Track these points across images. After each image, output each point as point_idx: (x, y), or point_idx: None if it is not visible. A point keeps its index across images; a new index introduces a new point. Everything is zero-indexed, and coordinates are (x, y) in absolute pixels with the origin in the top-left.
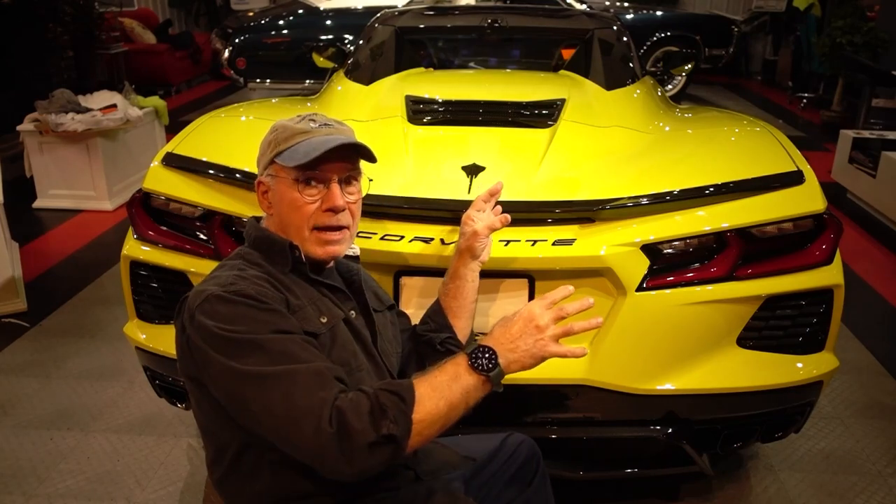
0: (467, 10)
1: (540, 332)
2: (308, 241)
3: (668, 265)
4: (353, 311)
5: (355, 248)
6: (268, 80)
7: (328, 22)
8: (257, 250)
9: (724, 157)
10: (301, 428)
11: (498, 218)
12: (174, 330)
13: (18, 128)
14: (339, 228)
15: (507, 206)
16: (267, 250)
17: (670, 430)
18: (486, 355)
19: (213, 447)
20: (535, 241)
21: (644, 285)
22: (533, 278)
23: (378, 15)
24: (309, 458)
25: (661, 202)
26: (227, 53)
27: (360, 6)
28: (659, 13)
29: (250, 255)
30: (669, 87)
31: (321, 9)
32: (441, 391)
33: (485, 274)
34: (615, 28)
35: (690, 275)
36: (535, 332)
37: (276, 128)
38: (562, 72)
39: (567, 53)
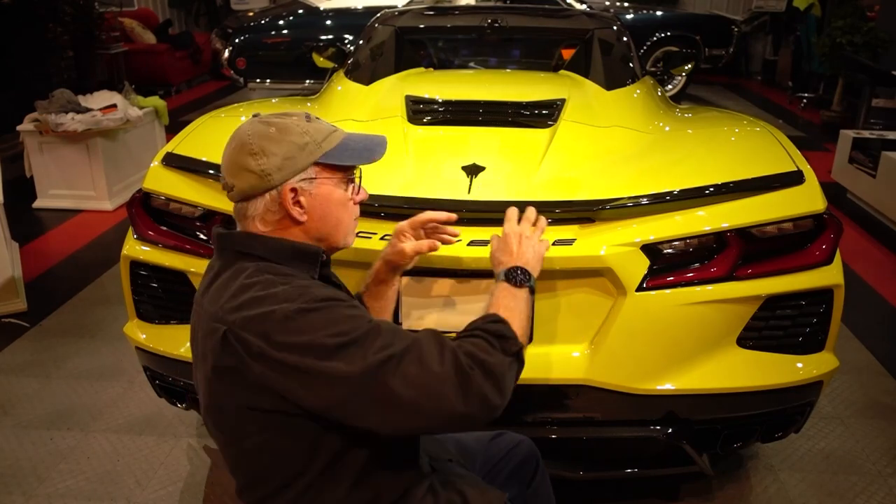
0: (467, 10)
1: (530, 240)
2: (349, 235)
3: (668, 265)
4: None
5: None
6: (268, 80)
7: (328, 22)
8: (278, 262)
9: (724, 157)
10: (449, 385)
11: (426, 243)
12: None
13: (18, 128)
14: None
15: (507, 206)
16: (291, 259)
17: (670, 430)
18: (519, 272)
19: (272, 483)
20: None
21: (644, 285)
22: None
23: (378, 15)
24: (461, 410)
25: (661, 202)
26: (227, 53)
27: (360, 6)
28: (659, 13)
29: (273, 268)
30: (669, 87)
31: (321, 9)
32: (514, 310)
33: (486, 274)
34: (615, 28)
35: (690, 275)
36: (527, 240)
37: (305, 130)
38: (562, 72)
39: (567, 53)
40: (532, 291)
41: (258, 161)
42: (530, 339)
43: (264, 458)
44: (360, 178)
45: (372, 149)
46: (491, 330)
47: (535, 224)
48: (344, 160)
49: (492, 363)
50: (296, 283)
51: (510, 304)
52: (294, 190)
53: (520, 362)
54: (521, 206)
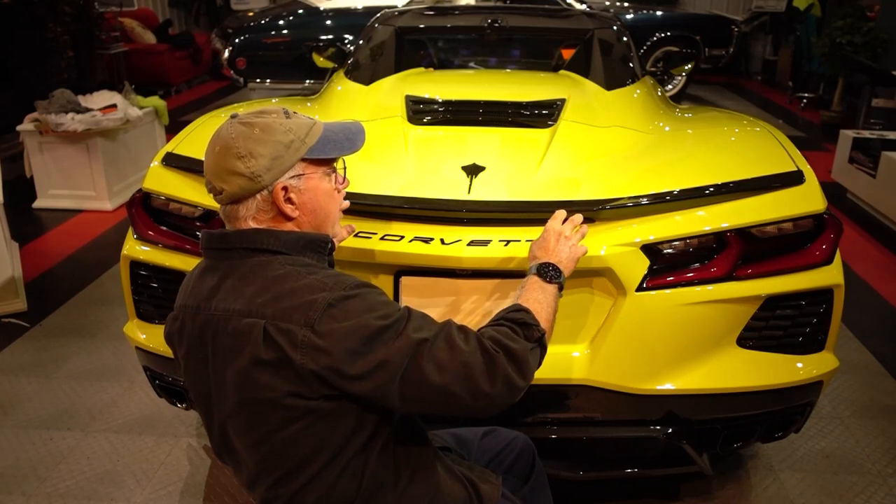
0: (467, 10)
1: (569, 241)
2: (337, 224)
3: (668, 265)
4: None
5: None
6: (268, 80)
7: (328, 22)
8: (291, 253)
9: (724, 157)
10: (476, 365)
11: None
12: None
13: (18, 128)
14: None
15: (507, 206)
16: (304, 250)
17: (670, 430)
18: (550, 269)
19: (309, 469)
20: None
21: (644, 285)
22: None
23: (378, 15)
24: (486, 390)
25: (661, 202)
26: (227, 53)
27: (360, 6)
28: (659, 13)
29: (293, 259)
30: (669, 87)
31: (321, 9)
32: (542, 303)
33: (485, 274)
34: (615, 28)
35: (690, 275)
36: (566, 241)
37: (288, 127)
38: (562, 72)
39: (567, 53)
40: (560, 288)
41: (247, 164)
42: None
43: (303, 446)
44: (345, 167)
45: (352, 138)
46: (514, 318)
47: (576, 229)
48: (328, 153)
49: (515, 348)
50: (323, 273)
51: (539, 297)
52: (285, 188)
53: (542, 348)
54: (521, 206)
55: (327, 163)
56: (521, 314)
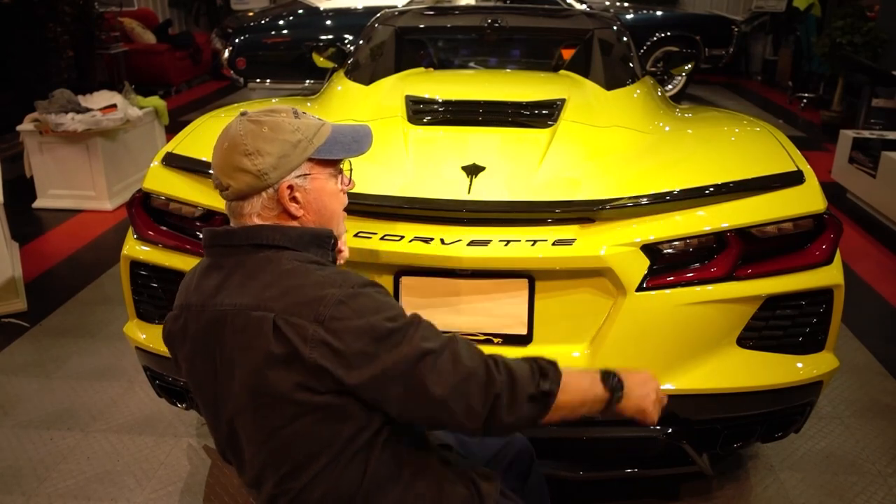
0: (467, 10)
1: (652, 399)
2: (341, 224)
3: (668, 265)
4: None
5: None
6: (268, 80)
7: (328, 22)
8: (297, 248)
9: (724, 157)
10: (476, 381)
11: None
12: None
13: (18, 128)
14: None
15: (508, 206)
16: (309, 245)
17: (670, 430)
18: (617, 380)
19: (316, 465)
20: (535, 241)
21: (644, 285)
22: (533, 278)
23: (378, 15)
24: (478, 409)
25: (661, 202)
26: (227, 53)
27: (360, 6)
28: (659, 13)
29: (300, 255)
30: (669, 87)
31: (321, 9)
32: (581, 387)
33: (485, 274)
34: (615, 28)
35: (690, 275)
36: (652, 395)
37: (296, 127)
38: (562, 72)
39: (567, 53)
40: (609, 404)
41: (254, 161)
42: (550, 379)
43: (310, 441)
44: (351, 168)
45: (360, 140)
46: (540, 364)
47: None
48: (335, 154)
49: (520, 378)
50: (330, 270)
51: (581, 384)
52: (290, 187)
53: (542, 407)
54: (521, 206)
55: (333, 164)
56: (549, 367)
